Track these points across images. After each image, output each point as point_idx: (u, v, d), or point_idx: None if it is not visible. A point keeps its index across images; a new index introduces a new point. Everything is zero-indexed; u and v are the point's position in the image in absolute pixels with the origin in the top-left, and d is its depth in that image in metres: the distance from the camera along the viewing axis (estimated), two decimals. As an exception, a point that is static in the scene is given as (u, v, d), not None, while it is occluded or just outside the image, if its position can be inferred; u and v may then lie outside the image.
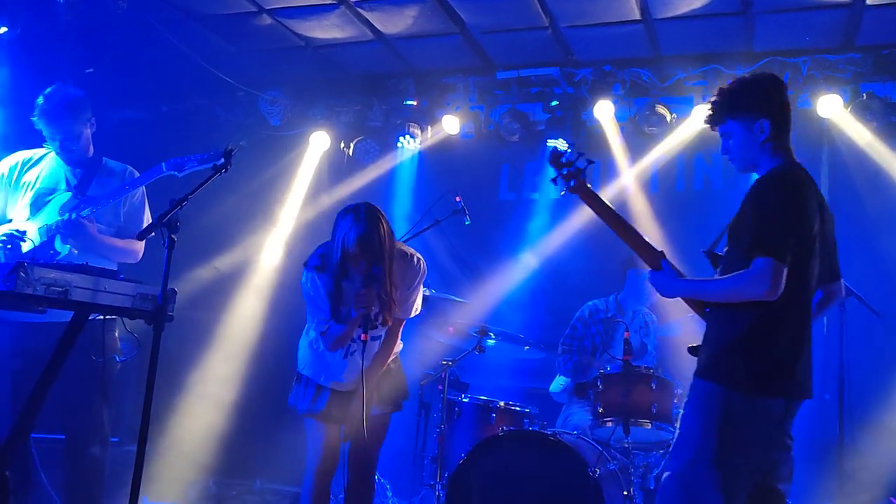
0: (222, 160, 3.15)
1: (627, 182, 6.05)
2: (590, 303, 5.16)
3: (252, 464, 6.00)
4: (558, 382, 5.27)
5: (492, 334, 4.68)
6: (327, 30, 5.72)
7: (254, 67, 6.36)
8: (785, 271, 2.42)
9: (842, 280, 2.80)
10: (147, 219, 3.81)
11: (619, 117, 6.04)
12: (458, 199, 4.69)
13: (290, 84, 6.60)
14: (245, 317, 6.26)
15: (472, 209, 4.73)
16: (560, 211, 6.32)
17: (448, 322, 4.86)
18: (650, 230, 5.81)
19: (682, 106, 5.89)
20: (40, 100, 3.59)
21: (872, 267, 5.10)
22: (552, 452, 3.84)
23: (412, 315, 3.48)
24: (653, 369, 4.21)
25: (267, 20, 5.62)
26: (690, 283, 2.69)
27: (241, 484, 5.96)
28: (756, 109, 2.65)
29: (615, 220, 2.86)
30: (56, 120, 3.58)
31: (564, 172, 2.97)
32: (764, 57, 5.55)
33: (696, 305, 2.73)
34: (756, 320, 2.50)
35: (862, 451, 4.74)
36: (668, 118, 5.87)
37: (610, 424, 4.09)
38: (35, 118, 3.61)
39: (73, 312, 2.54)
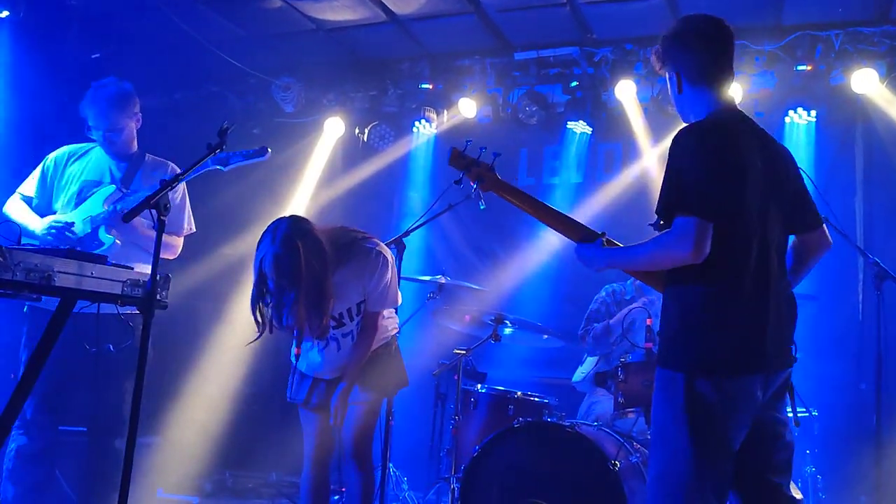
0: (264, 155, 3.31)
1: (650, 164, 5.84)
2: (607, 286, 4.98)
3: (268, 456, 5.91)
4: (580, 372, 5.10)
5: (508, 322, 4.52)
6: (338, 11, 5.58)
7: (266, 53, 6.25)
8: (710, 229, 2.17)
9: (825, 227, 2.52)
10: (188, 215, 3.95)
11: (642, 97, 5.83)
12: (472, 183, 4.52)
13: (303, 70, 6.48)
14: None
15: (489, 195, 4.56)
16: (580, 196, 6.16)
17: (464, 310, 4.71)
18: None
19: (707, 84, 5.66)
20: (90, 90, 3.73)
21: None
22: (570, 444, 3.67)
23: (391, 306, 3.40)
24: (676, 357, 4.02)
25: (276, 2, 5.49)
26: (616, 251, 2.47)
27: (257, 477, 5.89)
28: (668, 61, 2.48)
29: (538, 207, 2.64)
30: (103, 110, 3.70)
31: (470, 171, 2.78)
32: (794, 31, 5.30)
33: (655, 283, 2.49)
34: (703, 292, 2.25)
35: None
36: (693, 97, 5.64)
37: (632, 415, 3.92)
38: (82, 106, 3.73)
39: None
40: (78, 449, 3.79)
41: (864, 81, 5.14)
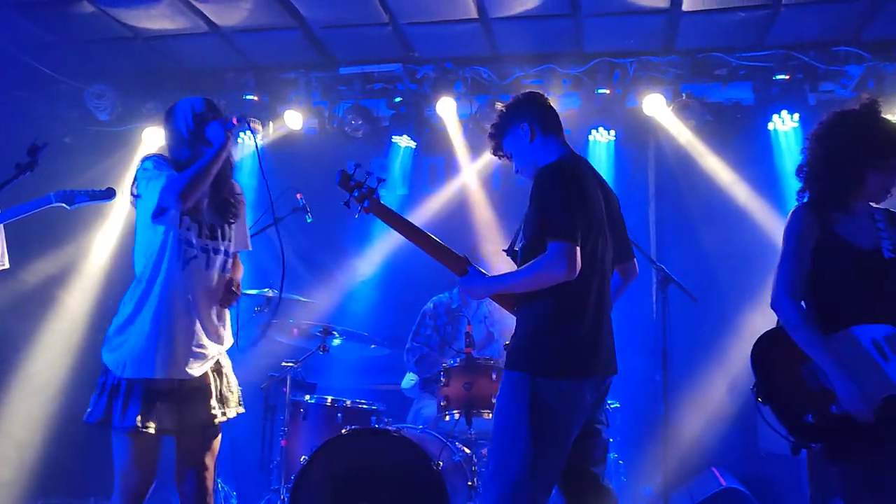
0: (112, 198, 3.23)
1: (470, 179, 6.17)
2: (434, 297, 5.22)
3: (85, 481, 5.62)
4: (409, 378, 5.29)
5: (336, 333, 4.63)
6: (156, 20, 5.44)
7: (77, 59, 5.97)
8: (578, 251, 2.54)
9: (635, 259, 2.97)
10: (2, 251, 3.63)
11: (462, 114, 6.13)
12: (298, 196, 4.59)
13: (118, 77, 6.24)
14: (73, 322, 5.85)
15: (318, 206, 4.65)
16: (406, 207, 6.36)
17: (292, 323, 4.76)
18: (492, 225, 5.96)
19: (520, 104, 6.05)
20: None
21: (691, 256, 5.49)
22: (396, 448, 3.84)
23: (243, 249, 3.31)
24: (493, 360, 4.30)
25: (88, 8, 5.27)
26: (495, 279, 2.77)
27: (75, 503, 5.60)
28: (516, 119, 2.87)
29: (415, 233, 2.92)
30: None
31: (356, 194, 3.00)
32: (594, 58, 5.81)
33: (506, 303, 2.83)
34: (553, 306, 2.61)
35: (685, 426, 5.10)
36: (508, 115, 6.01)
37: (453, 417, 4.14)
38: None
39: None
40: None
41: (654, 105, 5.75)
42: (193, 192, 2.84)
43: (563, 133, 2.90)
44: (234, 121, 2.96)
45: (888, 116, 2.72)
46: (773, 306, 2.67)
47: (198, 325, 2.97)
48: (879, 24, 5.23)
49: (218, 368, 3.09)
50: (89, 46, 5.81)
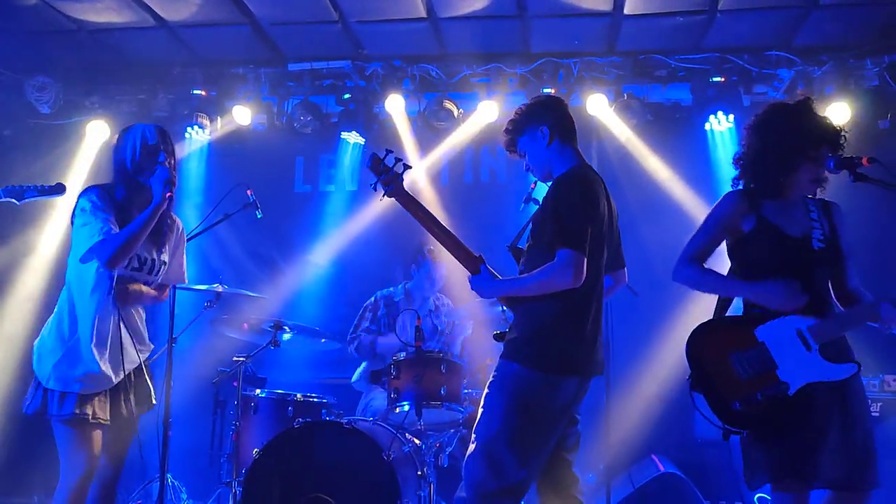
0: (61, 193, 3.28)
1: (419, 175, 6.26)
2: (378, 292, 5.30)
3: (30, 478, 5.55)
4: (358, 372, 5.37)
5: (287, 328, 4.67)
6: (101, 13, 5.38)
7: (17, 50, 5.86)
8: (585, 261, 2.68)
9: (625, 268, 3.12)
10: None
11: (410, 111, 6.21)
12: (249, 192, 4.60)
13: (61, 69, 6.15)
14: (15, 321, 5.75)
15: (266, 202, 4.65)
16: (356, 203, 6.43)
17: (242, 318, 4.79)
18: (440, 220, 6.06)
19: (468, 101, 6.16)
20: None
21: (631, 251, 5.66)
22: (348, 440, 3.92)
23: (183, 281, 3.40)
24: (443, 354, 4.42)
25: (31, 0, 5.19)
26: (505, 283, 2.88)
27: (18, 501, 5.52)
28: (535, 121, 2.96)
29: (434, 224, 2.97)
30: None
31: (384, 178, 3.04)
32: (540, 58, 5.96)
33: (506, 300, 2.94)
34: (559, 306, 2.73)
35: (625, 415, 5.30)
36: (456, 113, 6.12)
37: (403, 409, 4.25)
38: None
39: None
40: None
41: (597, 105, 5.93)
42: (123, 257, 2.99)
43: (577, 143, 2.99)
44: (169, 194, 3.05)
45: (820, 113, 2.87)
46: (673, 275, 2.86)
47: (127, 345, 3.13)
48: (808, 30, 5.51)
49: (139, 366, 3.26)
50: (31, 38, 5.71)
